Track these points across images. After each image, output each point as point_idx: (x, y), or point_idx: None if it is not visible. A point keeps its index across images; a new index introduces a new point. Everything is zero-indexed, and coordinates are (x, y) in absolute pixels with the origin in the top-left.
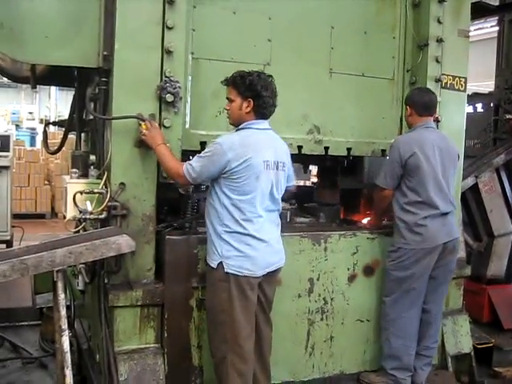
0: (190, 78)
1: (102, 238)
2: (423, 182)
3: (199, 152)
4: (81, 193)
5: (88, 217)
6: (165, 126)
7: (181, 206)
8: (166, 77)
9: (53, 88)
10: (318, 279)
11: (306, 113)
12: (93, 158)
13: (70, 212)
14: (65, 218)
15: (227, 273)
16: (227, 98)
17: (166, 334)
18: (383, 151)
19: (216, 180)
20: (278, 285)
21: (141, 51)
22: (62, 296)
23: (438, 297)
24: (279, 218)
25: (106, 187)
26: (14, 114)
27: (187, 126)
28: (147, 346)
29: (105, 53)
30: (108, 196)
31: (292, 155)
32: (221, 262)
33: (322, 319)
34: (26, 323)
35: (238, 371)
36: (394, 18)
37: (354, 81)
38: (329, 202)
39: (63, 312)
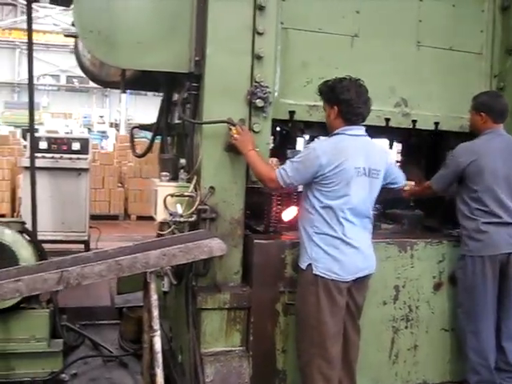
0: (279, 47)
1: (193, 240)
2: (483, 191)
3: (287, 121)
4: (171, 196)
5: (178, 219)
6: (254, 131)
7: (264, 210)
8: (256, 82)
9: None
10: (403, 286)
11: (393, 85)
12: (183, 161)
13: (161, 214)
14: (153, 219)
15: (315, 275)
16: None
17: (251, 338)
18: None
19: (308, 184)
20: None
21: (232, 56)
22: (154, 297)
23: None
24: (371, 225)
25: (195, 191)
26: (85, 117)
27: (276, 94)
28: (233, 348)
29: (196, 58)
30: (198, 199)
31: (378, 129)
32: (310, 264)
33: (406, 327)
34: (106, 322)
35: (324, 376)
36: None
37: (442, 54)
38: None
39: (156, 313)
